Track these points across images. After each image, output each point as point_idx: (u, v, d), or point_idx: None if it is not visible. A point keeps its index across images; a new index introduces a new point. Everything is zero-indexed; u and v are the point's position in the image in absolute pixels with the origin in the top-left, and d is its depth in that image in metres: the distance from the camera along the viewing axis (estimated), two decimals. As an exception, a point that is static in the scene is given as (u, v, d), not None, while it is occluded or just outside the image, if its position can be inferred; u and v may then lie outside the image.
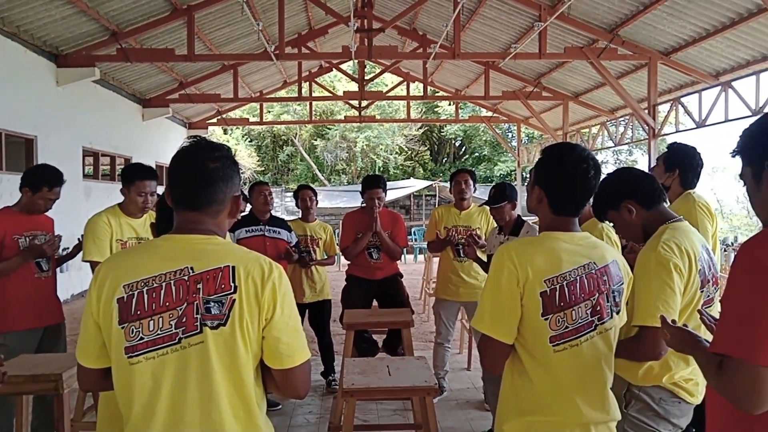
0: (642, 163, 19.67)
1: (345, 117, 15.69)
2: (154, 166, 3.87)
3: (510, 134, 21.32)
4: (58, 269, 3.55)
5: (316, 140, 24.28)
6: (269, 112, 21.83)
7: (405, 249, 5.21)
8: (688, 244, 2.01)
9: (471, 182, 4.43)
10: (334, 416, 3.52)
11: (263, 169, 25.10)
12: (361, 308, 4.36)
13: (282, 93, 15.31)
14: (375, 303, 4.73)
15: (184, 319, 1.35)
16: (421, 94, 13.58)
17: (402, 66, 13.39)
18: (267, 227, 4.30)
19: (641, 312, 1.93)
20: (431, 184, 18.76)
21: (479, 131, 22.96)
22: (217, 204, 1.45)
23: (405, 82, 13.70)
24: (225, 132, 22.04)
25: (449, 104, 19.49)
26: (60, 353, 3.28)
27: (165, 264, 1.38)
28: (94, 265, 3.13)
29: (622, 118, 11.10)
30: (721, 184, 17.77)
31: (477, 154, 24.84)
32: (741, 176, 1.48)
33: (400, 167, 24.43)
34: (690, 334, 1.54)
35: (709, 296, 2.09)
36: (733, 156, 1.49)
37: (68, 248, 3.66)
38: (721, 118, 7.88)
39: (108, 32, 8.13)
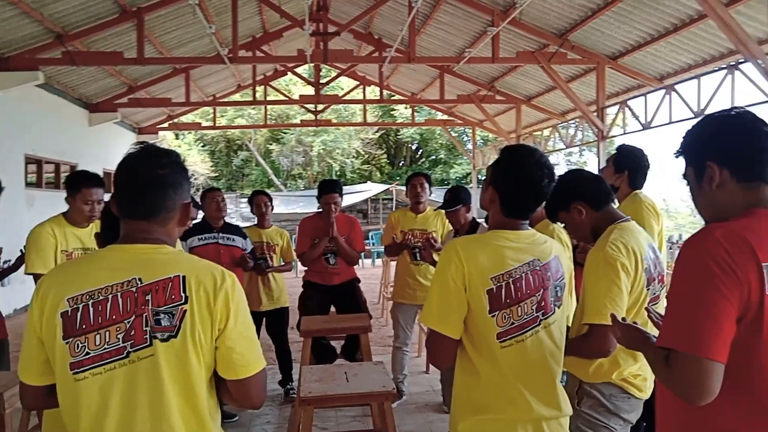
0: (592, 165, 20.28)
1: (301, 121, 15.60)
2: (101, 173, 3.73)
3: (465, 137, 21.63)
4: (-1, 283, 3.38)
5: (271, 144, 24.01)
6: (222, 116, 21.47)
7: (362, 253, 5.20)
8: (635, 243, 2.08)
9: (426, 185, 4.45)
10: (292, 425, 3.47)
11: (217, 174, 24.66)
12: (319, 315, 4.32)
13: (236, 97, 15.06)
14: (333, 309, 4.69)
15: (132, 332, 1.30)
16: (378, 97, 13.61)
17: (358, 70, 13.39)
18: (221, 234, 4.21)
19: (590, 310, 1.98)
20: (388, 188, 18.84)
21: (435, 134, 23.21)
22: (166, 212, 1.41)
23: (361, 86, 13.70)
24: (177, 137, 21.53)
25: (405, 108, 19.61)
26: (3, 371, 3.12)
27: (111, 275, 1.33)
28: (37, 277, 3.00)
29: (572, 121, 11.41)
30: (667, 184, 18.48)
31: (433, 157, 25.09)
32: (684, 176, 1.52)
33: (357, 171, 24.42)
34: (639, 331, 1.58)
35: (655, 294, 2.16)
36: (677, 157, 1.54)
37: (10, 261, 3.50)
38: (665, 120, 8.18)
39: (53, 35, 7.81)
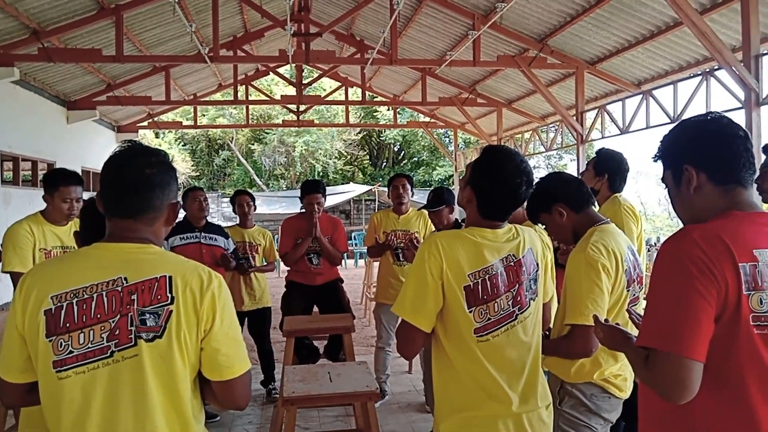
0: (571, 168, 20.53)
1: (283, 121, 15.51)
2: (79, 171, 3.68)
3: (447, 139, 21.73)
4: (-26, 282, 3.32)
5: (253, 144, 23.85)
6: (204, 115, 21.26)
7: (345, 254, 5.21)
8: (615, 245, 2.12)
9: (408, 186, 4.48)
10: (274, 426, 3.47)
11: (198, 174, 24.43)
12: (302, 315, 4.32)
13: (217, 96, 14.94)
14: (316, 309, 4.69)
15: (116, 332, 1.30)
16: (360, 99, 13.61)
17: (340, 71, 13.38)
18: (202, 234, 4.19)
19: (572, 311, 2.01)
20: (371, 189, 18.84)
21: (418, 136, 23.27)
22: (154, 211, 1.40)
23: (343, 87, 13.69)
24: (157, 135, 21.28)
25: (388, 109, 19.65)
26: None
27: (97, 274, 1.32)
28: (15, 276, 2.96)
29: (552, 125, 11.54)
30: (645, 188, 18.83)
31: (416, 158, 25.16)
32: (663, 180, 1.56)
33: (340, 172, 24.38)
34: (621, 332, 1.60)
35: (634, 295, 2.21)
36: (655, 161, 1.57)
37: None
38: (642, 124, 8.33)
39: (29, 30, 7.68)
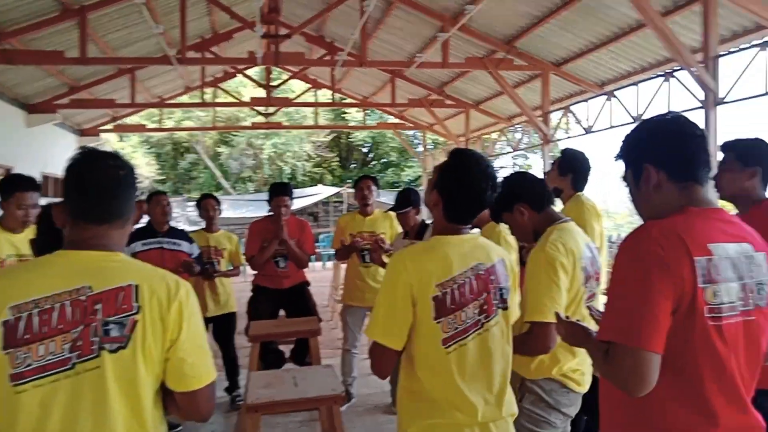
0: (537, 167, 20.83)
1: (251, 123, 15.33)
2: (40, 177, 3.56)
3: (416, 140, 21.81)
4: None
5: (220, 147, 23.55)
6: (169, 118, 20.90)
7: (313, 256, 5.17)
8: (573, 243, 2.15)
9: (374, 188, 4.48)
10: (240, 433, 3.40)
11: (163, 177, 24.01)
12: (268, 319, 4.26)
13: (184, 98, 14.67)
14: (282, 313, 4.64)
15: (79, 343, 1.25)
16: (329, 101, 13.54)
17: (309, 73, 13.30)
18: (165, 239, 4.10)
19: (531, 308, 2.04)
20: (339, 191, 18.79)
21: (387, 138, 23.32)
22: (126, 213, 1.39)
23: (313, 89, 13.61)
24: (120, 139, 20.84)
25: (357, 111, 19.63)
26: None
27: (60, 283, 1.28)
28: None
29: (518, 125, 11.68)
30: (607, 186, 19.20)
31: (385, 160, 25.19)
32: (624, 178, 1.59)
33: (309, 174, 24.25)
34: (581, 328, 1.62)
35: (591, 291, 2.25)
36: (617, 160, 1.60)
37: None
38: (606, 125, 8.49)
39: (-14, 31, 7.41)
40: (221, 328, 4.47)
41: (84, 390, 1.26)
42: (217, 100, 13.75)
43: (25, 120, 10.62)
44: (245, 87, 20.37)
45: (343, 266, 5.45)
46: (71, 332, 1.26)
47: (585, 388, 2.28)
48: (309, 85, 13.73)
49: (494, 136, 12.92)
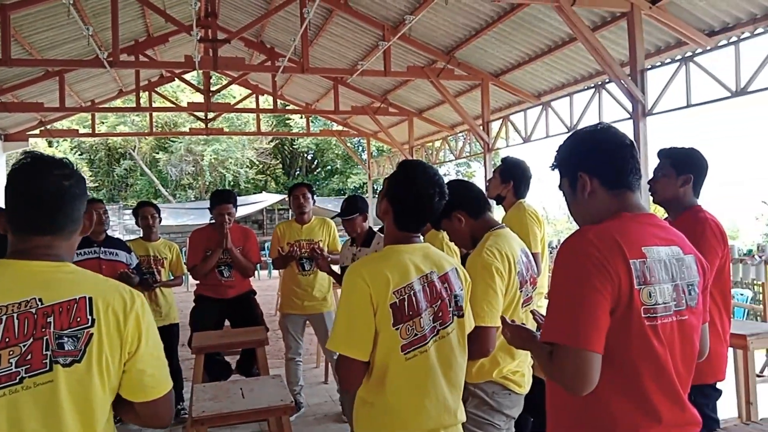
0: (479, 175, 21.32)
1: (190, 129, 14.95)
2: (-42, 184, 3.35)
3: (361, 148, 21.88)
4: None
5: (158, 153, 22.79)
6: (103, 122, 20.07)
7: (258, 265, 5.09)
8: (509, 248, 2.23)
9: (309, 195, 4.45)
10: (184, 448, 3.30)
11: (97, 185, 23.02)
12: (212, 329, 4.17)
13: (118, 102, 14.14)
14: (227, 323, 4.54)
15: (28, 357, 1.20)
16: (271, 107, 13.39)
17: (250, 78, 13.10)
18: (102, 249, 3.94)
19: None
20: (284, 198, 18.56)
21: (331, 145, 23.24)
22: (73, 224, 1.33)
23: (254, 95, 13.42)
24: (50, 144, 19.83)
25: (301, 117, 19.48)
26: None
27: (5, 295, 1.22)
28: None
29: (461, 134, 11.93)
30: (546, 193, 19.91)
31: (329, 167, 25.10)
32: (560, 187, 1.66)
33: (252, 181, 23.83)
34: (526, 331, 1.67)
35: (527, 295, 2.33)
36: (553, 169, 1.68)
37: None
38: (543, 134, 8.81)
39: None
40: (163, 340, 4.28)
41: (34, 405, 1.20)
42: (154, 105, 13.30)
43: (-58, 124, 9.95)
44: (183, 92, 19.83)
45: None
46: (19, 345, 1.21)
47: (525, 389, 2.35)
48: (250, 91, 13.52)
49: (437, 144, 13.14)
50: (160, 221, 4.60)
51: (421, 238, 1.90)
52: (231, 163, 22.21)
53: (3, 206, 1.35)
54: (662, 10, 5.65)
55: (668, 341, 1.41)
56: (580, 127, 7.56)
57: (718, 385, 2.53)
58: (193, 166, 22.46)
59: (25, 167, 1.32)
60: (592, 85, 7.65)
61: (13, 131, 12.92)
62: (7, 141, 12.76)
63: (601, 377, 1.36)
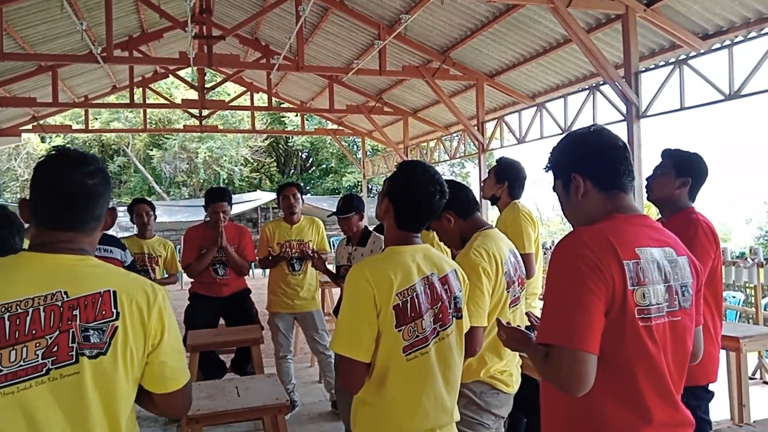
0: (474, 175, 21.36)
1: (184, 126, 14.89)
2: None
3: (355, 146, 21.86)
4: None
5: (152, 150, 22.69)
6: (96, 119, 19.97)
7: (253, 263, 5.08)
8: (496, 249, 2.24)
9: (299, 195, 4.44)
10: (178, 446, 3.30)
11: (90, 181, 22.83)
12: (207, 328, 4.16)
13: (111, 98, 14.05)
14: (222, 321, 4.54)
15: (54, 349, 1.22)
16: (266, 105, 13.36)
17: (245, 76, 13.07)
18: (96, 246, 3.93)
19: None
20: (278, 197, 18.51)
21: (326, 143, 23.21)
22: (95, 221, 1.35)
23: (249, 92, 13.39)
24: (43, 140, 19.71)
25: (296, 116, 19.45)
26: None
27: (32, 288, 1.23)
28: None
29: (455, 134, 11.95)
30: (540, 194, 20.00)
31: (324, 165, 25.07)
32: (554, 188, 1.67)
33: (246, 179, 23.77)
34: (522, 333, 1.67)
35: (515, 296, 2.35)
36: (546, 171, 1.69)
37: None
38: (537, 135, 8.83)
39: None
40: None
41: (60, 397, 1.22)
42: (148, 101, 13.25)
43: (-67, 118, 9.86)
44: (177, 88, 19.76)
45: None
46: (45, 338, 1.22)
47: (514, 388, 2.37)
48: (245, 88, 13.49)
49: (432, 144, 13.16)
50: (155, 219, 4.59)
51: (420, 238, 1.91)
52: (225, 160, 22.15)
53: (28, 198, 1.36)
54: (657, 13, 5.68)
55: (661, 342, 1.43)
56: (574, 128, 7.59)
57: (711, 387, 2.56)
58: (188, 164, 22.39)
59: (50, 163, 1.33)
60: (587, 86, 7.68)
61: (5, 126, 12.83)
62: (1, 136, 12.67)
63: (595, 378, 1.37)
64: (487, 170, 3.86)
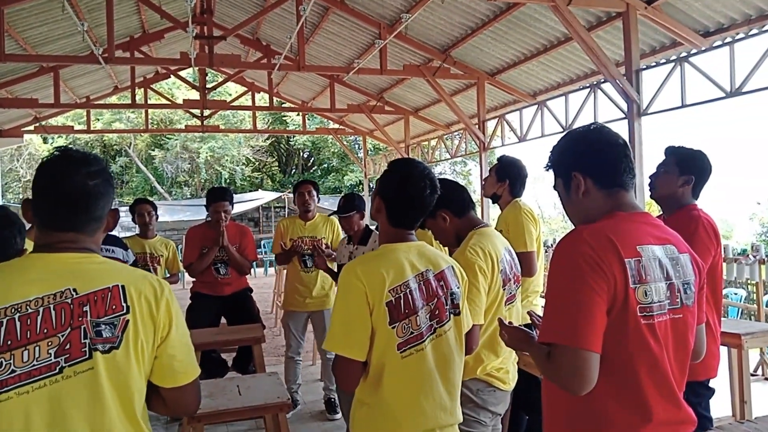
0: (475, 174, 21.34)
1: (186, 126, 14.88)
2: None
3: (357, 146, 21.86)
4: None
5: (153, 150, 22.71)
6: (98, 119, 19.99)
7: (254, 263, 5.09)
8: (492, 247, 2.25)
9: (314, 193, 4.47)
10: (181, 445, 3.31)
11: (93, 182, 22.88)
12: (208, 327, 4.17)
13: (113, 99, 14.09)
14: (224, 320, 4.55)
15: (67, 346, 1.22)
16: (267, 104, 13.36)
17: (246, 76, 13.08)
18: (100, 245, 3.94)
19: None
20: (280, 196, 18.55)
21: (327, 143, 23.21)
22: (96, 222, 1.36)
23: (250, 92, 13.41)
24: (45, 141, 19.75)
25: (297, 115, 19.46)
26: None
27: (40, 287, 1.24)
28: None
29: (456, 132, 11.95)
30: (541, 192, 19.98)
31: (325, 165, 25.07)
32: (555, 187, 1.67)
33: (248, 179, 23.78)
34: (523, 332, 1.67)
35: (511, 293, 2.35)
36: (547, 170, 1.69)
37: None
38: (538, 133, 8.83)
39: None
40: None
41: (76, 394, 1.22)
42: (149, 102, 13.27)
43: (-65, 120, 9.89)
44: (179, 89, 19.79)
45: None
46: (57, 336, 1.23)
47: (510, 385, 2.37)
48: (246, 88, 13.51)
49: (433, 143, 13.16)
50: (157, 218, 4.60)
51: (416, 236, 1.91)
52: (227, 160, 22.16)
53: (31, 198, 1.37)
54: (657, 11, 5.68)
55: (663, 340, 1.42)
56: (575, 126, 7.58)
57: (712, 384, 2.56)
58: (189, 164, 22.41)
59: (51, 164, 1.34)
60: (588, 84, 7.67)
61: (8, 127, 12.87)
62: (2, 137, 12.70)
63: (598, 376, 1.37)
64: (489, 169, 3.85)
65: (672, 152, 2.64)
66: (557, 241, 1.52)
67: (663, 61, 6.37)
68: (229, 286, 4.41)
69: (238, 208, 15.87)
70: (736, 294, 7.62)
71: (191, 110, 12.96)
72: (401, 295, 1.72)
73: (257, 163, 24.36)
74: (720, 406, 3.20)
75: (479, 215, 3.01)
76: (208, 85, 12.36)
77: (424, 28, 8.24)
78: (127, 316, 1.28)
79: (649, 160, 5.22)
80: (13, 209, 1.95)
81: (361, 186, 20.14)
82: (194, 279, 4.50)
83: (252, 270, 5.52)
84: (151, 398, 1.39)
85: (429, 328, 1.77)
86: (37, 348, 1.22)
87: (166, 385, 1.36)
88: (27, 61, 9.17)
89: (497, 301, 2.25)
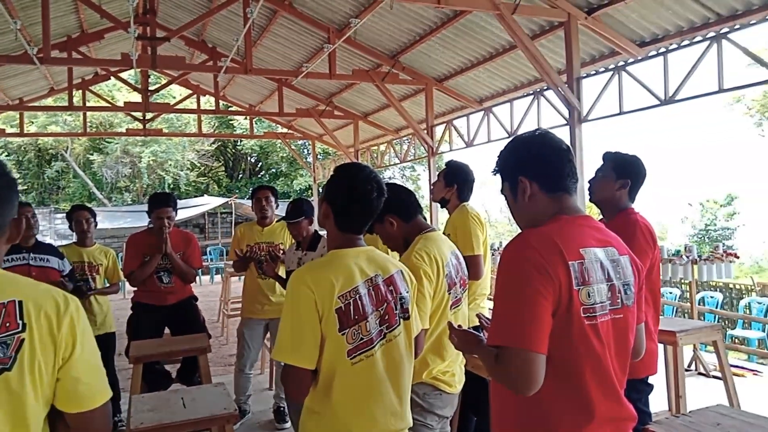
0: (424, 178, 21.56)
1: (127, 130, 14.40)
2: None
3: (306, 150, 21.68)
4: None
5: (92, 155, 21.83)
6: (32, 122, 19.06)
7: (200, 270, 4.96)
8: (437, 251, 2.27)
9: (272, 199, 4.44)
10: (122, 461, 3.17)
11: (26, 187, 21.82)
12: (151, 338, 4.02)
13: (48, 101, 13.45)
14: (168, 330, 4.40)
15: None
16: (213, 108, 13.08)
17: (191, 78, 12.76)
18: (32, 255, 3.74)
19: None
20: (227, 201, 18.16)
21: (276, 147, 22.92)
22: None
23: (195, 95, 13.09)
24: (-27, 144, 18.64)
25: (244, 119, 19.12)
26: None
27: None
28: None
29: (405, 137, 12.04)
30: (488, 196, 20.40)
31: (274, 169, 24.74)
32: (501, 191, 1.70)
33: (193, 184, 23.18)
34: (473, 335, 1.69)
35: (457, 297, 2.37)
36: (494, 174, 1.72)
37: None
38: (485, 138, 9.01)
39: None
40: (99, 350, 4.14)
41: None
42: (88, 104, 12.73)
43: None
44: (119, 91, 19.11)
45: (233, 279, 5.29)
46: None
47: (457, 388, 2.39)
48: (191, 91, 13.17)
49: (382, 147, 13.21)
50: (96, 225, 4.41)
51: (364, 241, 1.89)
52: (171, 165, 21.53)
53: None
54: (597, 21, 5.90)
55: (605, 339, 1.47)
56: (520, 132, 7.78)
57: (650, 380, 2.66)
58: (130, 168, 21.64)
59: None
60: (532, 91, 7.89)
61: (-69, 130, 12.08)
62: (-76, 140, 11.91)
63: (545, 377, 1.39)
64: (437, 173, 3.89)
65: (609, 158, 2.74)
66: (504, 246, 1.54)
67: (602, 69, 6.62)
68: (172, 295, 4.27)
69: (182, 214, 15.43)
70: (670, 293, 7.97)
71: (133, 113, 12.53)
72: (351, 301, 1.70)
73: (203, 168, 23.78)
74: (657, 402, 3.33)
75: (428, 219, 3.03)
76: (151, 88, 11.98)
77: (373, 34, 8.27)
78: (23, 334, 1.18)
79: (589, 165, 5.40)
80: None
81: (310, 191, 19.98)
82: (135, 288, 4.33)
83: (197, 278, 5.35)
84: (57, 425, 1.28)
85: (379, 334, 1.76)
86: None
87: (71, 411, 1.25)
88: (-48, 59, 8.64)
89: (443, 305, 2.26)
